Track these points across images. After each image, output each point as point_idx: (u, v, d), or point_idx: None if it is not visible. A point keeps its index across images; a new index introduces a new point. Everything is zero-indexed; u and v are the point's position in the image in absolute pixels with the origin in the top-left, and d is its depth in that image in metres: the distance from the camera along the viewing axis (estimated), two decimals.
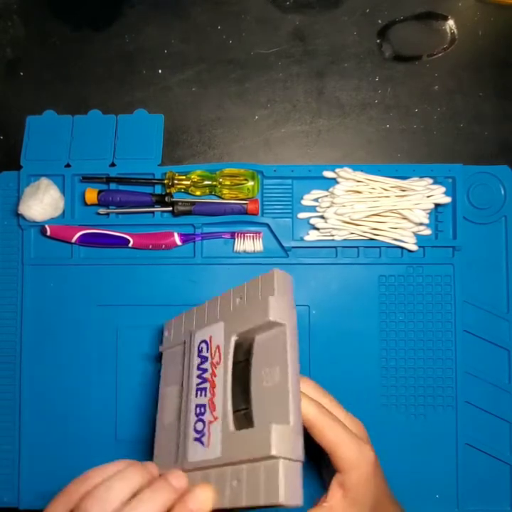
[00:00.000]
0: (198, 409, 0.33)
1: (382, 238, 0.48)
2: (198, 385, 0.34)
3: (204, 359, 0.35)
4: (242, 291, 0.35)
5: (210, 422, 0.32)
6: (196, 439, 0.32)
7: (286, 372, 0.30)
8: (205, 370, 0.34)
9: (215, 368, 0.34)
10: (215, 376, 0.34)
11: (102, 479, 0.29)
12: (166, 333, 0.40)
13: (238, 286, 0.36)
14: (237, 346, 0.34)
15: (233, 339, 0.34)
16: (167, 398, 0.38)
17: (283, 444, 0.28)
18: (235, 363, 0.33)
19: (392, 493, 0.38)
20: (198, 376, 0.35)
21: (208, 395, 0.33)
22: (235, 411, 0.32)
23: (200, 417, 0.33)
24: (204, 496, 0.29)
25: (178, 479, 0.30)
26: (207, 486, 0.29)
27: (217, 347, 0.34)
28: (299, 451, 0.29)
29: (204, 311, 0.37)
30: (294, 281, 0.48)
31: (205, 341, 0.35)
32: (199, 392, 0.34)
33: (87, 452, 0.49)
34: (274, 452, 0.28)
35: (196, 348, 0.36)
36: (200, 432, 0.32)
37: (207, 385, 0.34)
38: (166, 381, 0.38)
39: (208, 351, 0.35)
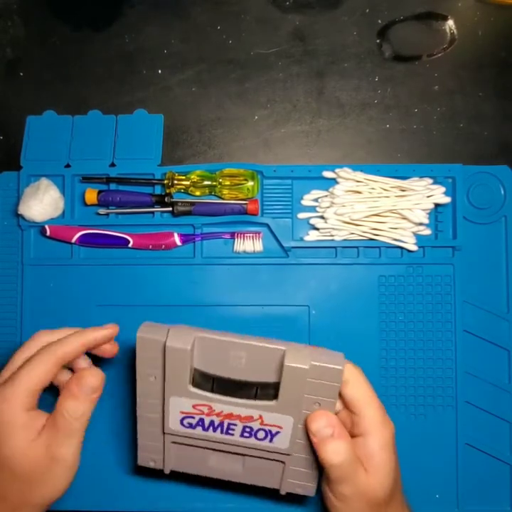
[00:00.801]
0: (245, 434, 0.37)
1: (382, 238, 0.48)
2: (227, 433, 0.37)
3: (200, 422, 0.37)
4: (149, 371, 0.37)
5: (262, 423, 0.36)
6: (271, 440, 0.36)
7: (238, 342, 0.35)
8: (211, 424, 0.37)
9: (213, 412, 0.36)
10: (221, 414, 0.36)
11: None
12: (151, 464, 0.40)
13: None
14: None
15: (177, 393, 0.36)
16: (220, 465, 0.39)
17: (301, 357, 0.34)
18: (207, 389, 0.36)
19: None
20: (215, 429, 0.37)
21: (237, 422, 0.36)
22: (257, 397, 0.36)
23: (253, 432, 0.36)
24: (95, 374, 0.36)
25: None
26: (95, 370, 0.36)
27: (181, 412, 0.36)
28: (305, 347, 0.35)
29: (147, 420, 0.38)
30: (293, 281, 0.49)
31: (184, 419, 0.37)
32: (230, 430, 0.37)
33: (87, 452, 0.49)
34: (308, 366, 0.34)
35: (182, 426, 0.37)
36: (267, 435, 0.36)
37: (227, 422, 0.36)
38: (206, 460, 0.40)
39: (191, 419, 0.37)
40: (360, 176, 0.48)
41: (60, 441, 0.35)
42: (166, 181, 0.49)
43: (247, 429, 0.36)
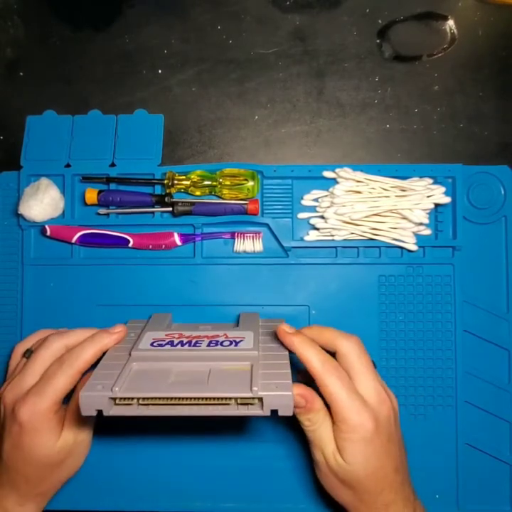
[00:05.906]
0: (211, 344, 0.40)
1: (382, 238, 0.48)
2: (195, 345, 0.40)
3: (170, 343, 0.40)
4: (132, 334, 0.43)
5: (226, 337, 0.41)
6: (236, 345, 0.40)
7: (204, 325, 0.45)
8: (180, 342, 0.41)
9: (182, 336, 0.42)
10: (190, 336, 0.41)
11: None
12: (97, 389, 0.34)
13: None
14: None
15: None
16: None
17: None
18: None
19: (409, 486, 0.40)
20: (183, 345, 0.40)
21: (205, 339, 0.41)
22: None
23: (219, 342, 0.41)
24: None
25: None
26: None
27: (153, 339, 0.41)
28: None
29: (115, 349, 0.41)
30: (293, 281, 0.49)
31: (154, 342, 0.41)
32: (198, 344, 0.40)
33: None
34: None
35: (151, 346, 0.40)
36: (231, 343, 0.40)
37: (195, 340, 0.41)
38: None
39: (161, 342, 0.40)
40: (360, 175, 0.48)
41: (82, 426, 0.42)
42: (166, 181, 0.49)
43: (214, 342, 0.40)
